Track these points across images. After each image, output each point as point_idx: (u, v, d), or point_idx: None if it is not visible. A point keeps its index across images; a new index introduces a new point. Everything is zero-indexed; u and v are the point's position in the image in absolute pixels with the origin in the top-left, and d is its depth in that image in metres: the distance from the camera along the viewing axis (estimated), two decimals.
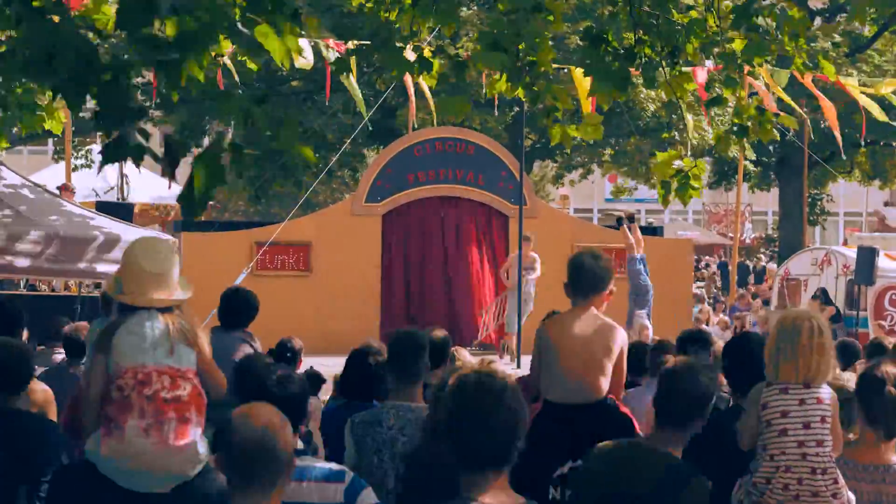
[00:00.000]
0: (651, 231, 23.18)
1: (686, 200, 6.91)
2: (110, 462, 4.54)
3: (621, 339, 5.38)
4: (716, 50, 6.88)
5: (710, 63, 14.87)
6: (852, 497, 4.81)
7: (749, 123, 6.81)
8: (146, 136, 3.65)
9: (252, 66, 5.95)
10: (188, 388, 4.63)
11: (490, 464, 3.02)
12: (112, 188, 23.44)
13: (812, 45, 25.17)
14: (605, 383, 5.31)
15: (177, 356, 4.68)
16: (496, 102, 18.67)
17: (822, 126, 24.03)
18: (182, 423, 4.57)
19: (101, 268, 10.62)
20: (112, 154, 3.67)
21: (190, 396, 4.62)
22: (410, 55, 6.62)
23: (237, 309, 7.10)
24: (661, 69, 6.73)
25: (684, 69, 6.98)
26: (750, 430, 4.89)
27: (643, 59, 6.63)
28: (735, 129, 6.94)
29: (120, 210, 16.76)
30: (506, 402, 3.02)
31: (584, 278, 5.36)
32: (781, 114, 7.36)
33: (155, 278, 4.75)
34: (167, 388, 4.59)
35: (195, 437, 4.59)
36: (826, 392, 4.85)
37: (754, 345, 5.23)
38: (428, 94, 15.10)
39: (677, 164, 6.81)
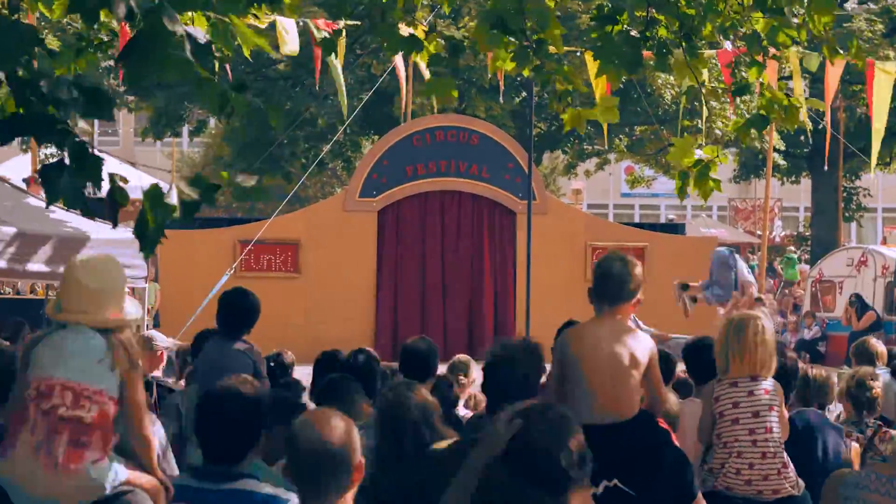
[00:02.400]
0: (672, 228, 23.18)
1: (707, 194, 6.85)
2: (4, 480, 4.56)
3: (650, 348, 5.36)
4: (740, 31, 6.83)
5: (728, 45, 14.87)
6: (801, 482, 5.66)
7: (773, 111, 6.78)
8: (66, 135, 3.61)
9: (227, 51, 5.95)
10: (94, 411, 4.56)
11: None
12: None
13: (845, 25, 25.18)
14: (636, 398, 5.28)
15: (92, 375, 4.60)
16: (501, 87, 18.69)
17: (860, 114, 24.03)
18: (75, 447, 4.52)
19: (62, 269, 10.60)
20: (16, 129, 3.63)
21: (94, 420, 4.56)
22: (405, 31, 6.61)
23: (239, 313, 6.95)
24: (674, 51, 6.71)
25: (703, 52, 6.96)
26: (707, 425, 5.75)
27: (656, 41, 6.61)
28: (753, 117, 6.91)
29: (94, 205, 16.75)
30: None
31: (612, 285, 5.35)
32: (809, 99, 7.32)
33: (94, 296, 4.72)
34: (67, 406, 4.55)
35: (90, 464, 4.53)
36: (770, 383, 5.74)
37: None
38: (427, 76, 15.10)
39: (697, 153, 6.76)
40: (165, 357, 8.85)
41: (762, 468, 5.62)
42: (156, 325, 16.53)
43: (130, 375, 4.69)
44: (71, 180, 3.55)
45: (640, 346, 5.30)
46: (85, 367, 4.61)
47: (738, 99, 19.44)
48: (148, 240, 3.58)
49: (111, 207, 3.67)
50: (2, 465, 4.57)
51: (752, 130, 6.98)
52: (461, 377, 8.34)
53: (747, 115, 7.01)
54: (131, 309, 4.86)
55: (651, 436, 5.19)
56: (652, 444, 5.15)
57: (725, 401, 5.69)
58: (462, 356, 8.84)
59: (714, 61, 18.17)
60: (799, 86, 15.79)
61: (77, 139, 3.56)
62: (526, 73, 7.05)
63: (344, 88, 15.31)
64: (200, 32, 3.63)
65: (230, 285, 11.90)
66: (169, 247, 19.32)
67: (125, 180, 3.72)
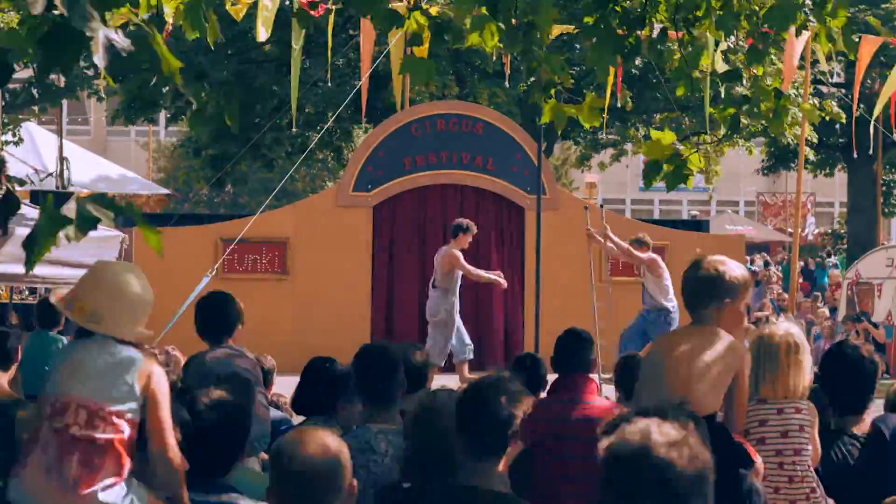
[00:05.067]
0: (695, 226, 23.18)
1: (672, 185, 6.94)
2: (16, 502, 4.59)
3: (739, 358, 5.34)
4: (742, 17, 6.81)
5: (731, 38, 14.81)
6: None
7: (762, 107, 6.80)
8: None
9: (191, 35, 5.99)
10: (108, 432, 4.57)
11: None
12: (50, 174, 23.49)
13: (884, 5, 25.16)
14: (711, 399, 5.29)
15: (111, 393, 4.61)
16: (507, 70, 18.67)
17: None
18: (87, 471, 4.53)
19: (34, 270, 10.61)
20: None
21: (109, 443, 4.57)
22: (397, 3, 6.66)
23: (219, 318, 6.99)
24: (674, 40, 6.72)
25: (698, 39, 6.96)
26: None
27: (653, 25, 6.63)
28: (744, 107, 6.92)
29: (59, 200, 16.75)
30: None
31: (698, 287, 5.39)
32: (823, 111, 7.31)
33: (130, 307, 4.76)
34: (80, 426, 4.56)
35: (102, 488, 4.53)
36: (804, 402, 5.64)
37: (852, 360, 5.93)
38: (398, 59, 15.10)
39: (677, 146, 6.81)
40: None
41: (788, 493, 5.56)
42: None
43: (155, 395, 4.69)
44: None
45: (729, 356, 5.30)
46: (104, 384, 4.62)
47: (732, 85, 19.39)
48: (34, 253, 3.61)
49: (4, 213, 3.70)
50: (15, 485, 4.60)
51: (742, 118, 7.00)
52: None
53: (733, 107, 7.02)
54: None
55: (717, 441, 5.22)
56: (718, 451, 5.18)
57: (752, 418, 5.63)
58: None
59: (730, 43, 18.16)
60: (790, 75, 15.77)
61: None
62: (516, 49, 7.05)
63: (297, 80, 15.31)
64: (122, 39, 3.64)
65: (211, 289, 11.89)
66: (143, 247, 19.38)
67: (22, 183, 3.77)
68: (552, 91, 7.21)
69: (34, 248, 3.56)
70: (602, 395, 7.12)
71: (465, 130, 17.71)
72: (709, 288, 5.35)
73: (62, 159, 23.42)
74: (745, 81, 6.99)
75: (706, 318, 5.36)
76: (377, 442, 5.22)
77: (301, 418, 6.40)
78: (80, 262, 11.22)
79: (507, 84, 21.60)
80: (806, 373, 5.68)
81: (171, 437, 4.71)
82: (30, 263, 3.63)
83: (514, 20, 6.73)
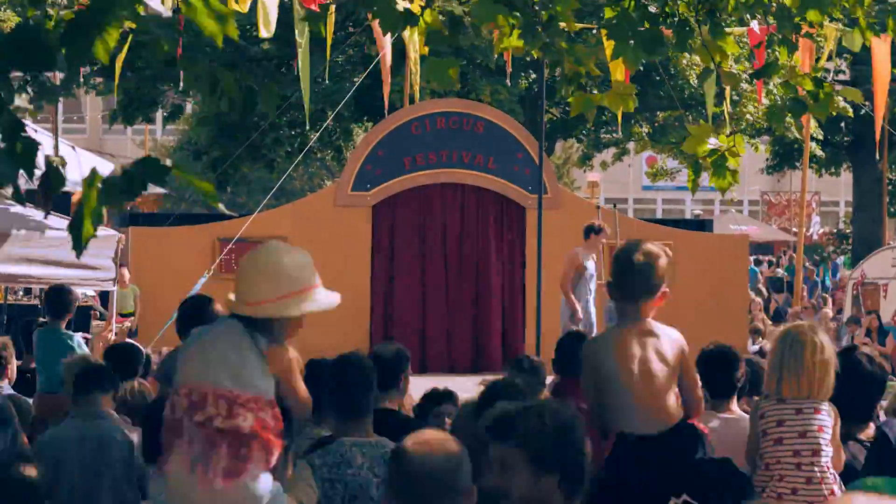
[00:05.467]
0: (699, 225, 23.19)
1: (724, 187, 6.88)
2: (159, 499, 4.65)
3: (680, 346, 5.38)
4: (772, 7, 6.78)
5: (755, 24, 14.78)
6: None
7: (803, 97, 6.74)
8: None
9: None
10: (250, 420, 4.54)
11: None
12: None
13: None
14: (676, 403, 5.33)
15: (244, 380, 4.59)
16: (509, 69, 18.67)
17: None
18: (235, 461, 4.51)
19: (20, 269, 10.64)
20: None
21: (253, 430, 4.55)
22: (401, 4, 6.60)
23: (193, 321, 7.05)
24: (697, 30, 6.68)
25: (726, 30, 6.93)
26: (753, 446, 5.69)
27: (677, 17, 6.59)
28: (790, 103, 6.87)
29: (54, 199, 16.75)
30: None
31: (634, 280, 5.34)
32: (845, 88, 7.30)
33: (291, 281, 4.87)
34: (222, 416, 4.53)
35: (252, 478, 4.52)
36: (824, 404, 5.64)
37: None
38: (414, 59, 15.08)
39: (712, 142, 6.75)
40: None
41: (806, 495, 5.52)
42: (132, 335, 16.52)
43: (285, 377, 4.69)
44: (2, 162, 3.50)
45: (671, 345, 5.34)
46: (239, 372, 4.58)
47: (769, 83, 19.40)
48: (81, 233, 3.52)
49: (44, 192, 3.64)
50: (159, 484, 4.63)
51: (788, 118, 6.95)
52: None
53: (779, 101, 6.99)
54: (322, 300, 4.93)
55: (698, 446, 5.28)
56: (702, 455, 5.26)
57: (770, 418, 5.64)
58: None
59: (745, 40, 18.16)
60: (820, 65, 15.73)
61: (13, 117, 3.52)
62: (535, 53, 7.01)
63: (309, 86, 15.31)
64: (158, 6, 3.63)
65: (209, 288, 11.92)
66: (141, 246, 19.38)
67: (64, 162, 3.69)
68: (581, 81, 7.17)
69: (79, 231, 3.47)
70: None
71: (465, 129, 17.70)
72: (646, 280, 5.32)
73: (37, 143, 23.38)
74: (782, 71, 6.91)
75: (640, 311, 5.34)
76: (353, 455, 5.22)
77: None
78: (75, 262, 11.22)
79: (508, 81, 21.56)
80: (831, 373, 5.67)
81: (305, 395, 4.77)
82: (77, 249, 3.54)
83: (533, 16, 6.70)
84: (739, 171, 6.86)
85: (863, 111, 20.03)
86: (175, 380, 4.69)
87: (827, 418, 5.62)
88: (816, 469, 5.54)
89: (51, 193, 3.63)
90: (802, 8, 6.50)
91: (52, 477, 5.82)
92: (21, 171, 3.45)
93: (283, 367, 4.68)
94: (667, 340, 5.35)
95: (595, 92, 7.27)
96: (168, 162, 3.58)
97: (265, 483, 4.56)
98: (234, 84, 3.95)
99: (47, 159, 3.58)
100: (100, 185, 3.40)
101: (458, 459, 3.52)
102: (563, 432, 3.57)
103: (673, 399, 5.33)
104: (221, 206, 3.70)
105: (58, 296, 9.70)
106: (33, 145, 3.49)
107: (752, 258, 33.52)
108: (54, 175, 3.60)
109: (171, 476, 4.55)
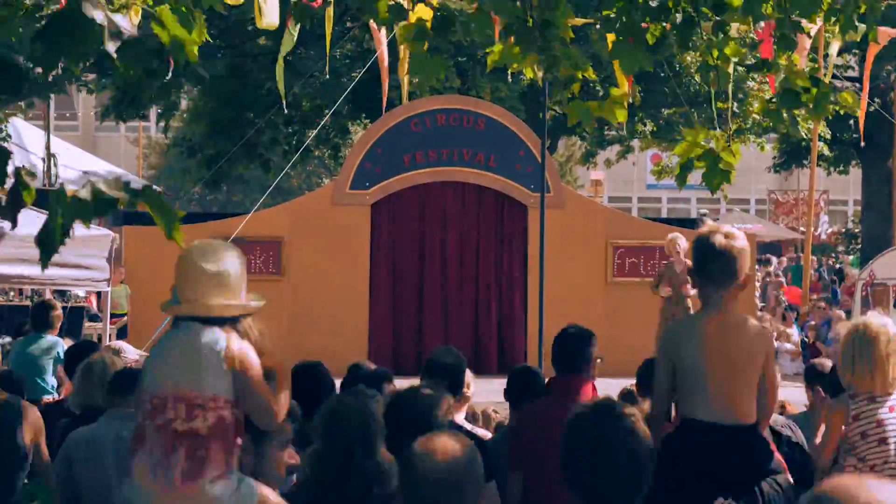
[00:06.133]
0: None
1: (715, 187, 6.91)
2: None
3: (768, 343, 5.32)
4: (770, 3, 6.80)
5: (761, 23, 14.82)
6: None
7: (799, 95, 6.76)
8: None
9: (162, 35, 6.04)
10: (210, 420, 4.60)
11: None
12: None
13: None
14: (755, 402, 5.26)
15: (203, 379, 4.63)
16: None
17: None
18: (193, 463, 4.56)
19: (13, 270, 10.67)
20: None
21: (210, 431, 4.60)
22: None
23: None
24: (703, 24, 6.69)
25: (736, 26, 6.95)
26: (832, 447, 5.77)
27: (681, 13, 6.60)
28: (783, 95, 6.88)
29: (45, 198, 16.78)
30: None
31: (718, 265, 5.23)
32: (842, 92, 7.29)
33: (214, 279, 4.76)
34: (181, 419, 4.59)
35: (211, 480, 4.57)
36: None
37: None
38: (402, 55, 15.08)
39: (706, 141, 6.79)
40: None
41: None
42: (121, 335, 16.54)
43: (245, 373, 4.68)
44: None
45: (758, 342, 5.24)
46: (195, 372, 4.63)
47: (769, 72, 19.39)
48: (48, 247, 3.59)
49: (12, 205, 3.68)
50: (127, 490, 4.67)
51: (785, 114, 6.96)
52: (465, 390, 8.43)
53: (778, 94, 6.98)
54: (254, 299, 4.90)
55: (767, 455, 5.23)
56: (769, 467, 5.20)
57: (868, 419, 5.72)
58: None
59: (752, 35, 18.19)
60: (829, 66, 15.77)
61: None
62: (528, 62, 7.03)
63: (282, 70, 15.27)
64: (127, 24, 3.66)
65: None
66: (135, 246, 19.38)
67: (33, 175, 3.73)
68: (575, 87, 7.19)
69: (46, 245, 3.54)
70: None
71: (466, 126, 17.72)
72: (728, 264, 5.19)
73: (50, 155, 23.42)
74: (777, 68, 6.92)
75: (723, 298, 5.22)
76: None
77: None
78: (68, 262, 11.26)
79: (509, 78, 21.55)
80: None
81: (268, 396, 4.74)
82: (43, 263, 3.62)
83: (529, 20, 6.72)
84: (734, 171, 6.87)
85: (871, 108, 20.03)
86: (140, 387, 4.77)
87: None
88: None
89: (19, 208, 3.68)
90: (798, 5, 6.52)
91: (86, 476, 5.88)
92: None
93: (239, 361, 4.71)
94: (755, 336, 5.26)
95: (585, 97, 7.27)
96: (139, 183, 3.64)
97: (225, 484, 4.60)
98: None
99: (17, 171, 3.63)
100: (61, 202, 3.48)
101: (466, 462, 3.55)
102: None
103: (751, 397, 5.22)
104: (180, 242, 3.80)
105: (41, 311, 9.80)
106: (5, 154, 3.55)
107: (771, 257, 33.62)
108: (23, 188, 3.65)
109: (135, 483, 4.63)
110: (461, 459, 3.54)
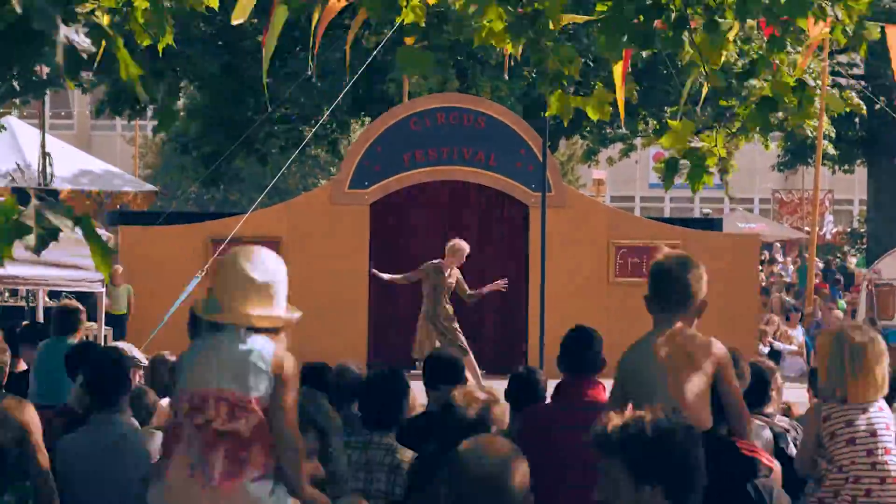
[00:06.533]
0: (707, 224, 23.21)
1: (697, 187, 6.96)
2: None
3: (718, 355, 5.35)
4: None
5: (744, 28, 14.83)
6: None
7: (784, 97, 6.78)
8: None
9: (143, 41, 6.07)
10: (251, 422, 4.63)
11: None
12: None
13: None
14: (704, 414, 5.29)
15: (248, 383, 4.65)
16: (507, 63, 18.64)
17: None
18: (234, 464, 4.59)
19: (7, 270, 10.67)
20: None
21: (252, 432, 4.62)
22: None
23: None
24: (693, 27, 6.70)
25: (722, 22, 6.94)
26: (809, 452, 5.78)
27: (675, 11, 6.61)
28: (760, 101, 6.90)
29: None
30: None
31: (671, 290, 5.35)
32: (829, 96, 7.27)
33: (256, 289, 4.75)
34: (222, 419, 4.61)
35: (251, 480, 4.60)
36: (883, 401, 5.81)
37: None
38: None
39: (695, 141, 6.81)
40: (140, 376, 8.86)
41: (881, 496, 5.62)
42: (121, 336, 16.54)
43: (286, 378, 4.71)
44: None
45: (703, 350, 5.30)
46: (240, 374, 4.65)
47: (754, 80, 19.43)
48: (167, 116, 3.58)
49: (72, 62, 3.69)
50: (158, 489, 4.66)
51: (767, 117, 6.97)
52: None
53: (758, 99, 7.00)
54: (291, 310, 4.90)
55: (726, 465, 5.20)
56: (726, 475, 5.16)
57: (837, 419, 5.72)
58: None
59: (740, 34, 18.18)
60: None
61: None
62: (509, 48, 7.03)
63: (269, 53, 15.21)
64: (82, 40, 3.67)
65: (201, 290, 11.94)
66: (131, 246, 19.35)
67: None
68: (561, 82, 7.20)
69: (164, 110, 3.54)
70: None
71: (466, 125, 17.73)
72: (684, 293, 5.30)
73: (45, 154, 23.39)
74: (761, 76, 6.95)
75: (675, 320, 5.31)
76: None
77: None
78: (61, 262, 11.25)
79: (506, 77, 21.56)
80: (887, 369, 5.85)
81: (296, 421, 4.77)
82: (170, 123, 3.61)
83: (520, 9, 6.72)
84: (734, 172, 6.90)
85: (877, 107, 20.05)
86: (177, 386, 4.78)
87: (890, 415, 5.77)
88: (890, 468, 5.67)
89: (78, 66, 3.70)
90: (785, 8, 6.52)
91: (76, 477, 5.92)
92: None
93: (284, 368, 4.73)
94: (700, 345, 5.33)
95: (573, 93, 7.27)
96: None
97: (264, 486, 4.62)
98: (153, 92, 4.03)
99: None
100: (9, 222, 3.51)
101: (510, 463, 3.59)
102: (663, 442, 3.57)
103: (702, 405, 5.28)
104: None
105: (63, 315, 9.81)
106: None
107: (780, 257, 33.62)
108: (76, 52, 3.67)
109: (170, 480, 4.63)
110: (510, 461, 3.59)
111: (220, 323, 4.77)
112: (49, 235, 3.63)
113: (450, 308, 14.79)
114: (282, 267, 4.86)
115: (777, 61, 7.05)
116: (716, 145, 6.78)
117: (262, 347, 4.70)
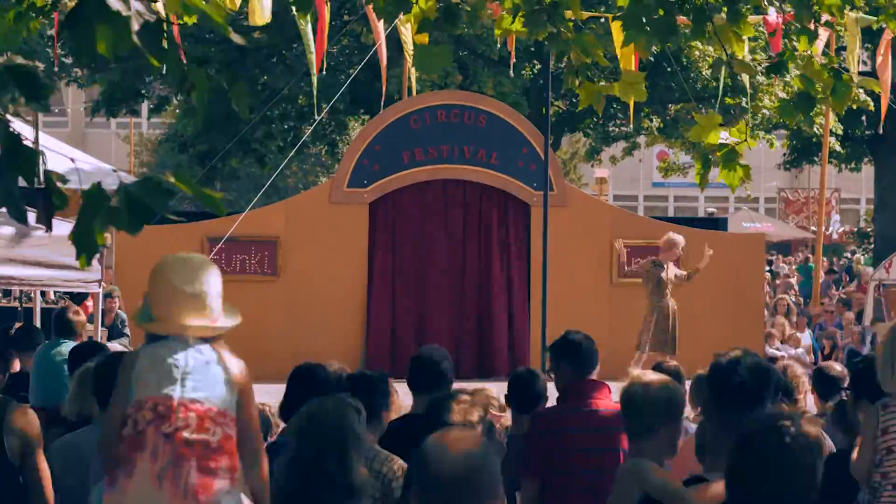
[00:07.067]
0: (712, 223, 23.20)
1: (734, 183, 6.91)
2: None
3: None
4: None
5: (772, 11, 14.82)
6: None
7: (815, 90, 6.76)
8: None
9: (189, 20, 6.01)
10: (219, 434, 4.63)
11: None
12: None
13: None
14: None
15: (213, 393, 4.66)
16: (512, 59, 18.68)
17: None
18: (204, 475, 4.58)
19: (1, 270, 10.68)
20: None
21: (221, 443, 4.63)
22: None
23: None
24: (715, 17, 6.69)
25: (748, 17, 6.95)
26: (866, 462, 5.65)
27: (693, 4, 6.61)
28: (798, 98, 6.89)
29: (34, 196, 16.78)
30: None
31: (637, 414, 5.11)
32: (862, 77, 7.30)
33: (192, 300, 4.77)
34: (191, 428, 4.60)
35: (223, 493, 4.59)
36: None
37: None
38: (407, 46, 15.10)
39: (723, 135, 6.77)
40: None
41: None
42: (112, 337, 16.55)
43: (246, 391, 4.75)
44: (1, 176, 3.57)
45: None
46: (203, 384, 4.66)
47: (786, 75, 19.44)
48: (87, 249, 3.59)
49: (46, 210, 3.69)
50: (111, 496, 4.63)
51: (801, 113, 6.96)
52: None
53: (794, 94, 6.98)
54: (228, 315, 4.91)
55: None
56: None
57: (894, 433, 5.61)
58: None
59: (761, 29, 18.19)
60: (854, 59, 15.77)
61: (10, 129, 3.57)
62: (541, 36, 7.04)
63: (313, 56, 15.23)
64: (146, 11, 3.66)
65: None
66: (124, 247, 19.30)
67: (64, 180, 3.74)
68: (588, 72, 7.20)
69: (85, 247, 3.53)
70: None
71: (467, 122, 17.71)
72: (648, 418, 5.03)
73: (38, 152, 23.41)
74: (799, 63, 6.94)
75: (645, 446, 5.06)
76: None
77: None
78: (56, 262, 11.25)
79: (511, 73, 21.57)
80: None
81: (260, 438, 4.85)
82: (82, 262, 3.61)
83: (537, 4, 6.73)
84: (749, 166, 6.86)
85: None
86: (128, 392, 4.72)
87: None
88: None
89: (52, 212, 3.70)
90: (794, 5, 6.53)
91: (65, 483, 5.92)
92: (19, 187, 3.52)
93: (243, 380, 4.74)
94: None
95: (602, 83, 7.24)
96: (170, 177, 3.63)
97: (235, 498, 4.64)
98: (203, 80, 3.99)
99: (47, 175, 3.64)
100: (96, 207, 3.47)
101: (479, 456, 3.56)
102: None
103: None
104: (220, 209, 3.78)
105: (64, 319, 9.83)
106: (34, 155, 3.56)
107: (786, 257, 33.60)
108: (55, 193, 3.66)
109: (133, 491, 4.59)
110: (476, 454, 3.56)
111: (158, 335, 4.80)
112: (143, 216, 3.61)
113: (673, 303, 15.35)
114: (215, 273, 4.87)
115: (809, 53, 7.05)
116: (746, 138, 6.75)
117: (225, 358, 4.73)
